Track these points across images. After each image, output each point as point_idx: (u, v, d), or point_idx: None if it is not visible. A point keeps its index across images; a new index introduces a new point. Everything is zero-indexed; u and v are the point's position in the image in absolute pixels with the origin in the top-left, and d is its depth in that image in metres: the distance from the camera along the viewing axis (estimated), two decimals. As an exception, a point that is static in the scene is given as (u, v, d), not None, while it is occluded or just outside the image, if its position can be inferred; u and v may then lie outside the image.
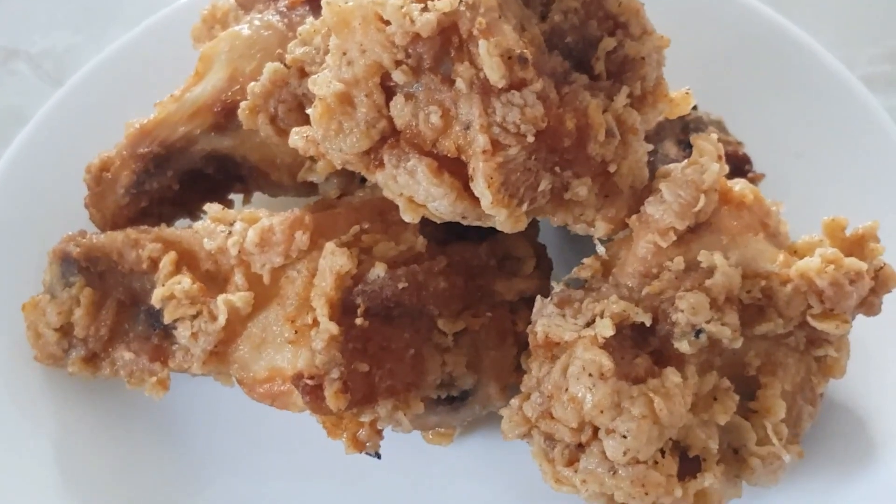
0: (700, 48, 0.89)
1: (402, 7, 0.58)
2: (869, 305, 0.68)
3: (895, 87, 1.06)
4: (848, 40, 1.11)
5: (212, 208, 0.73)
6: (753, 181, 0.80)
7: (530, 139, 0.59)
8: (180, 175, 0.77)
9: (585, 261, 0.68)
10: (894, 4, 1.16)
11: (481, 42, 0.57)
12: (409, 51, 0.59)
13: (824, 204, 0.78)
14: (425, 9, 0.58)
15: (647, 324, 0.63)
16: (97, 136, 0.82)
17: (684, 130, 0.81)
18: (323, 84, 0.61)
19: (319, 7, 0.71)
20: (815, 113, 0.86)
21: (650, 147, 0.67)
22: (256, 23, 0.77)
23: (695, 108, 0.84)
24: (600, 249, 0.68)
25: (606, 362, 0.61)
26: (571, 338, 0.63)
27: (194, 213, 0.81)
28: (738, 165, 0.80)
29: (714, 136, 0.67)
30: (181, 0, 0.94)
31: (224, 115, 0.75)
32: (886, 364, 0.75)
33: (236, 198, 0.83)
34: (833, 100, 0.85)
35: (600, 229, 0.65)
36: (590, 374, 0.61)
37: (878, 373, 0.75)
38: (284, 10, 0.77)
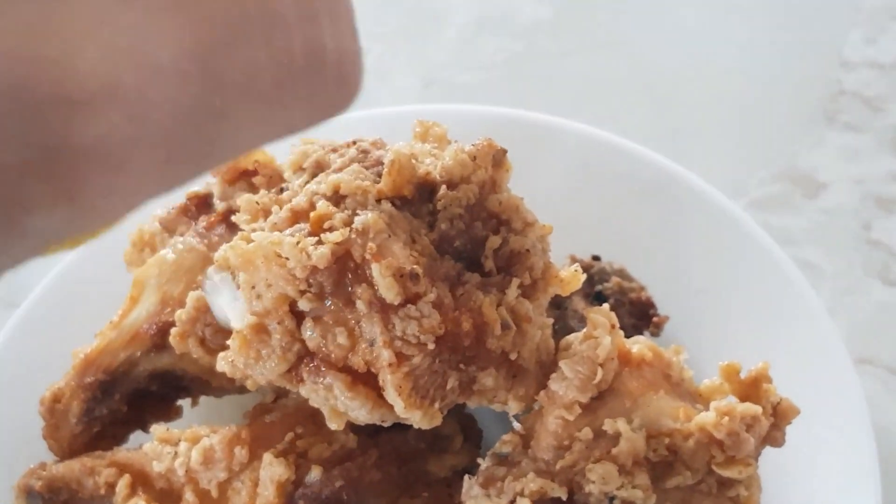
0: (598, 199, 0.95)
1: (297, 243, 0.64)
2: (773, 440, 0.73)
3: (785, 207, 1.12)
4: (739, 166, 1.18)
5: (157, 430, 0.78)
6: (658, 325, 0.86)
7: (431, 346, 0.64)
8: (127, 397, 0.82)
9: (505, 437, 0.73)
10: (779, 127, 1.24)
11: (373, 265, 0.63)
12: (311, 281, 0.64)
13: (727, 337, 0.84)
14: (319, 241, 0.64)
15: (564, 497, 0.68)
16: (52, 363, 0.87)
17: (590, 283, 0.87)
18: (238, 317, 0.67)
19: (234, 226, 0.77)
20: (709, 248, 0.92)
21: (550, 321, 0.73)
22: (179, 246, 0.82)
23: (598, 258, 0.90)
24: (517, 425, 0.73)
25: (530, 540, 0.66)
26: (498, 517, 0.68)
27: (146, 426, 0.85)
28: (644, 310, 0.86)
29: (604, 309, 0.73)
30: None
31: (160, 337, 0.80)
32: (800, 482, 0.80)
33: (185, 402, 0.88)
34: (723, 233, 0.91)
35: (513, 408, 0.70)
36: (517, 552, 0.66)
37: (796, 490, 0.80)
38: (203, 231, 0.83)
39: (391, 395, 0.65)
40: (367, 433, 0.76)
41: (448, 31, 1.47)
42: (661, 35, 1.41)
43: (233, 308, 0.69)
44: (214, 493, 0.74)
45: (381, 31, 1.50)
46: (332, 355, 0.65)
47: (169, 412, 0.87)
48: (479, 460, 0.73)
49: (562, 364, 0.70)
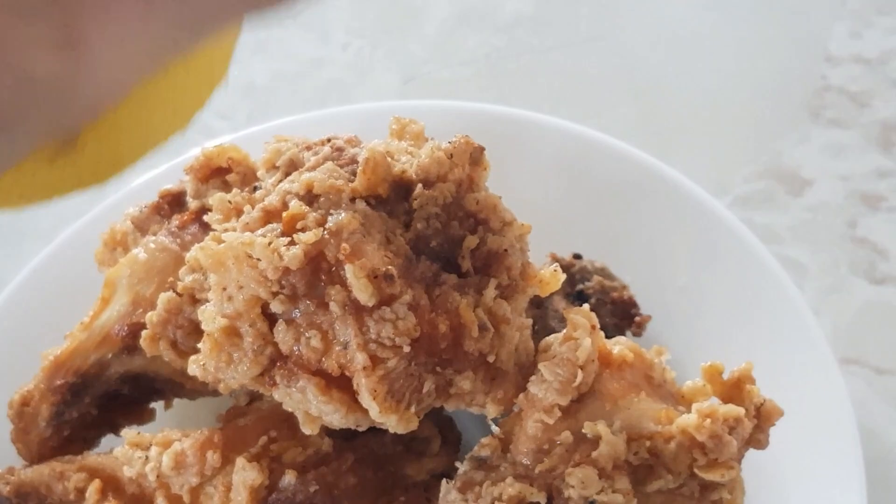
0: (579, 197, 0.94)
1: (269, 244, 0.62)
2: (756, 442, 0.71)
3: (770, 203, 1.12)
4: (723, 163, 1.16)
5: (128, 434, 0.76)
6: (641, 324, 0.84)
7: (406, 349, 0.62)
8: (98, 400, 0.80)
9: (484, 440, 0.71)
10: (763, 123, 1.22)
11: (347, 266, 0.62)
12: (283, 282, 0.63)
13: (711, 337, 0.83)
14: (292, 242, 0.63)
15: (543, 502, 0.66)
16: (21, 365, 0.85)
17: (571, 283, 0.86)
18: (209, 320, 0.65)
19: (208, 225, 0.75)
20: (692, 247, 0.90)
21: (530, 322, 0.71)
22: (151, 245, 0.80)
23: (579, 257, 0.89)
24: (495, 429, 0.71)
25: (503, 546, 0.64)
26: (475, 523, 0.66)
27: (117, 429, 0.84)
28: (626, 310, 0.85)
29: (584, 309, 0.71)
30: (85, 217, 0.98)
31: (131, 338, 0.78)
32: (784, 485, 0.79)
33: (158, 404, 0.87)
34: (707, 231, 0.90)
35: (491, 411, 0.69)
36: (493, 559, 0.64)
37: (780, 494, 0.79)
38: (176, 230, 0.81)
39: (365, 399, 0.63)
40: (342, 437, 0.74)
41: (428, 26, 1.46)
42: (644, 30, 1.39)
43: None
44: (186, 499, 0.72)
45: (359, 25, 1.48)
46: (306, 358, 0.64)
47: (141, 415, 0.85)
48: (458, 464, 0.72)
49: (541, 366, 0.68)
